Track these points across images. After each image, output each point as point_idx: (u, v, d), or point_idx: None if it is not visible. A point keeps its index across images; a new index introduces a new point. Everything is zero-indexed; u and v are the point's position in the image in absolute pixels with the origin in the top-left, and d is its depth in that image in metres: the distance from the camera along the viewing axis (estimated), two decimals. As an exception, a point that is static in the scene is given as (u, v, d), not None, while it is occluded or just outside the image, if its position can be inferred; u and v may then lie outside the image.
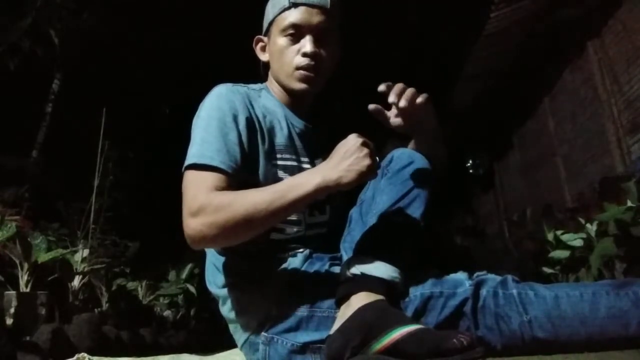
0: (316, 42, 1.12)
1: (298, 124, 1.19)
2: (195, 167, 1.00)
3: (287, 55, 1.14)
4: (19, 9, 5.10)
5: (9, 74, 4.79)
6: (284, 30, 1.13)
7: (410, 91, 1.02)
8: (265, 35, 1.22)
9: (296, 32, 1.13)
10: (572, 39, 5.04)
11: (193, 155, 1.01)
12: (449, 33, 7.32)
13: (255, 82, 1.26)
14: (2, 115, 4.52)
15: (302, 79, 1.13)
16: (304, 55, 1.12)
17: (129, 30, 6.00)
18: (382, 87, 1.02)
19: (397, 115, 1.08)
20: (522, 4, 4.80)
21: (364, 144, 0.92)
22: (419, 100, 1.03)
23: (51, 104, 5.42)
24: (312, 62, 1.12)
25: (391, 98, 1.01)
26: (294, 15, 1.12)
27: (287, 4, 1.13)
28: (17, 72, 4.87)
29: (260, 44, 1.23)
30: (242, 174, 1.03)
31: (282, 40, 1.14)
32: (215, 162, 0.99)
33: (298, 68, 1.13)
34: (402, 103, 1.01)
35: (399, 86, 1.02)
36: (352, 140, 0.93)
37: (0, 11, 4.85)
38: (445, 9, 7.25)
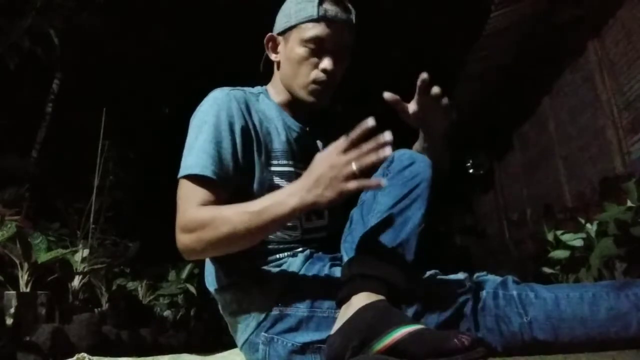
0: (335, 58, 1.12)
1: (295, 127, 1.19)
2: (188, 177, 1.01)
3: (304, 67, 1.12)
4: (19, 9, 5.09)
5: (9, 74, 4.79)
6: (307, 40, 1.11)
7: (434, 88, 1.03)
8: (280, 35, 1.18)
9: (319, 47, 1.11)
10: (572, 39, 5.04)
11: (187, 165, 1.02)
12: (449, 33, 7.32)
13: (253, 83, 1.25)
14: (2, 115, 4.52)
15: (315, 94, 1.13)
16: (324, 71, 1.11)
17: (129, 30, 6.00)
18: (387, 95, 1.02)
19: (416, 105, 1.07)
20: (522, 4, 4.80)
21: (346, 164, 0.86)
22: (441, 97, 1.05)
23: (51, 104, 5.42)
24: (328, 79, 1.12)
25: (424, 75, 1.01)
26: (321, 30, 1.10)
27: (315, 16, 1.10)
28: (17, 72, 4.87)
29: (272, 43, 1.20)
30: (235, 183, 1.03)
31: (302, 50, 1.12)
32: (207, 172, 1.00)
33: (314, 82, 1.12)
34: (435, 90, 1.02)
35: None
36: (333, 159, 0.88)
37: (0, 11, 4.84)
38: (445, 9, 7.26)
